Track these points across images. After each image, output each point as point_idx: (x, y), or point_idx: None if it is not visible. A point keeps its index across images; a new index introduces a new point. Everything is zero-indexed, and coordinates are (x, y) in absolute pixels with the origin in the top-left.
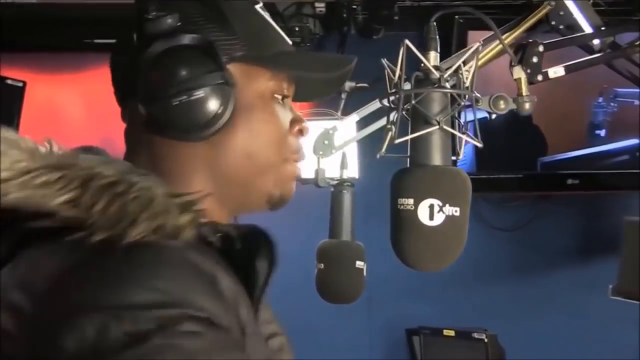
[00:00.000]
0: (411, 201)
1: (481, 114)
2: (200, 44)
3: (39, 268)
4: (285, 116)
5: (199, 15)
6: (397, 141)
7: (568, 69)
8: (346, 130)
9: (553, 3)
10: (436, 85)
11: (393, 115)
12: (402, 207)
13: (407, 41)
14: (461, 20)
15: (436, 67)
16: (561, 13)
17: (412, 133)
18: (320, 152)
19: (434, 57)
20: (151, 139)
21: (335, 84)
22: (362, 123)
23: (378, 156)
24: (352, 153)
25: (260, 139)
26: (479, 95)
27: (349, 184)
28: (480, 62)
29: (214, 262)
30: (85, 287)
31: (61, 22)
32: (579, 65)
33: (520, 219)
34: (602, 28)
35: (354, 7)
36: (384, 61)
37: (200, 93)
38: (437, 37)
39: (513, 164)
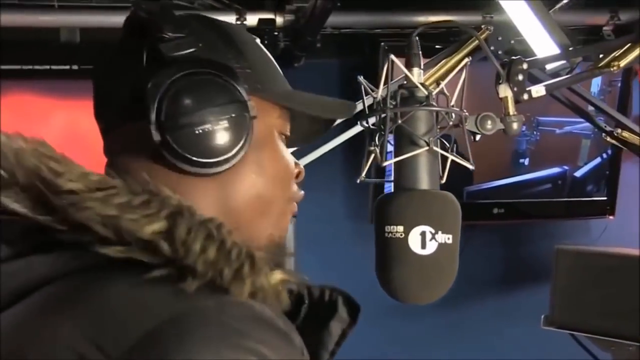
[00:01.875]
0: (401, 229)
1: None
2: (223, 71)
3: (116, 311)
4: (289, 157)
5: (215, 41)
6: (384, 164)
7: (548, 88)
8: None
9: (491, 28)
10: (424, 104)
11: (376, 137)
12: (390, 235)
13: (392, 56)
14: (386, 47)
15: (422, 85)
16: (499, 38)
17: (397, 155)
18: None
19: (417, 74)
20: (156, 170)
21: (325, 129)
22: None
23: (358, 181)
24: None
25: (270, 179)
26: (467, 114)
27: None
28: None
29: (293, 330)
30: (184, 346)
31: None
32: (558, 84)
33: None
34: (570, 48)
35: (276, 33)
36: (361, 78)
37: (224, 123)
38: (420, 52)
39: None
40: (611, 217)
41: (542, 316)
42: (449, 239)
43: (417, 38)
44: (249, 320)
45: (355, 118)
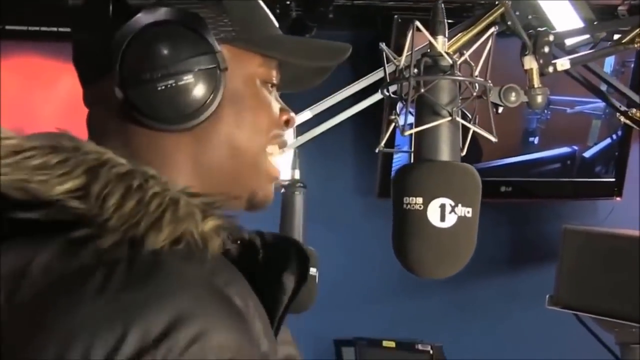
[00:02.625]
0: (420, 200)
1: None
2: (190, 21)
3: (29, 268)
4: (274, 106)
5: None
6: (406, 133)
7: (573, 62)
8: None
9: (509, 3)
10: (448, 73)
11: (398, 105)
12: (408, 206)
13: (417, 22)
14: (400, 20)
15: (447, 53)
16: (517, 13)
17: (418, 125)
18: None
19: (442, 43)
20: (125, 127)
21: (325, 73)
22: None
23: (377, 150)
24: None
25: (248, 130)
26: (491, 84)
27: (301, 185)
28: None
29: (241, 286)
30: (90, 304)
31: None
32: (583, 58)
33: None
34: (595, 22)
35: (288, 2)
36: (382, 45)
37: (189, 77)
38: (445, 20)
39: None
40: (618, 199)
41: (547, 296)
42: (468, 212)
43: (442, 5)
44: (156, 268)
45: (372, 88)
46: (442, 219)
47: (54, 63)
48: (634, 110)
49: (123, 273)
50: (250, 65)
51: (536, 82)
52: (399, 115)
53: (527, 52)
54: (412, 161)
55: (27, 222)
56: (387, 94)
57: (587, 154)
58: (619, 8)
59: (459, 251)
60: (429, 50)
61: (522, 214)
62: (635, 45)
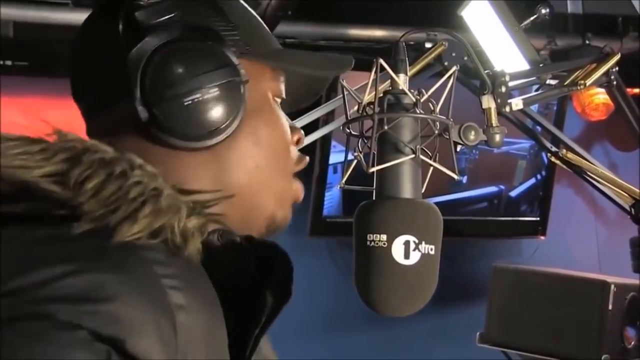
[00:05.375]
0: (384, 237)
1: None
2: (205, 35)
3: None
4: (286, 122)
5: (195, 4)
6: (370, 171)
7: (525, 102)
8: None
9: (446, 44)
10: (411, 111)
11: (359, 143)
12: (372, 243)
13: (380, 60)
14: None
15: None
16: (453, 54)
17: (381, 162)
18: None
19: (404, 80)
20: (146, 147)
21: (317, 92)
22: None
23: (338, 187)
24: None
25: (269, 148)
26: (452, 122)
27: None
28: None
29: (194, 290)
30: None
31: None
32: (533, 99)
33: None
34: (540, 65)
35: None
36: (343, 82)
37: (215, 91)
38: (406, 59)
39: None
40: (542, 238)
41: (477, 333)
42: (432, 249)
43: (403, 44)
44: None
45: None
46: (407, 256)
47: None
48: (563, 150)
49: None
50: (263, 79)
51: (494, 121)
52: (361, 152)
53: (485, 92)
54: (374, 198)
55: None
56: (348, 131)
57: (513, 194)
58: (541, 52)
59: (422, 288)
60: (390, 88)
61: (450, 252)
62: (579, 88)
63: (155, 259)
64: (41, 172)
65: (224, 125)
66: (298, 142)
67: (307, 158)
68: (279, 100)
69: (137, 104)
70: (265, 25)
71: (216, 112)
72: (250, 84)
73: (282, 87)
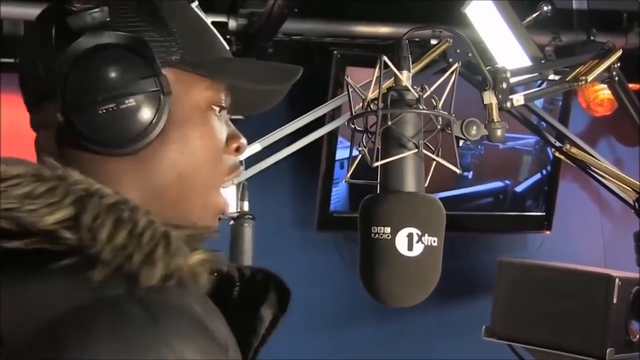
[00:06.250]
0: (388, 230)
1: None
2: (132, 44)
3: (18, 303)
4: (222, 131)
5: (130, 11)
6: (375, 165)
7: (526, 98)
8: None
9: (450, 41)
10: (414, 106)
11: (364, 138)
12: (377, 235)
13: (384, 57)
14: (339, 56)
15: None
16: (457, 51)
17: (385, 157)
18: None
19: (407, 77)
20: (69, 152)
21: (277, 96)
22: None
23: (344, 181)
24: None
25: (194, 157)
26: (454, 118)
27: (250, 216)
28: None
29: (219, 319)
30: (82, 342)
31: None
32: (534, 94)
33: None
34: (542, 61)
35: (228, 37)
36: (348, 79)
37: (131, 101)
38: (409, 56)
39: None
40: (548, 232)
41: (483, 327)
42: (434, 241)
43: (406, 41)
44: (161, 309)
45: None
46: (410, 248)
47: None
48: (567, 145)
49: (131, 314)
50: (196, 89)
51: (495, 116)
52: (365, 147)
53: (487, 88)
54: (378, 192)
55: (8, 252)
56: (353, 126)
57: (519, 189)
58: (546, 49)
59: (425, 279)
60: (394, 84)
61: (456, 247)
62: (580, 84)
63: (190, 305)
64: (54, 218)
65: (140, 134)
66: (238, 150)
67: (242, 168)
68: (217, 108)
69: (56, 109)
70: (214, 33)
71: (132, 121)
72: (179, 93)
73: (222, 96)
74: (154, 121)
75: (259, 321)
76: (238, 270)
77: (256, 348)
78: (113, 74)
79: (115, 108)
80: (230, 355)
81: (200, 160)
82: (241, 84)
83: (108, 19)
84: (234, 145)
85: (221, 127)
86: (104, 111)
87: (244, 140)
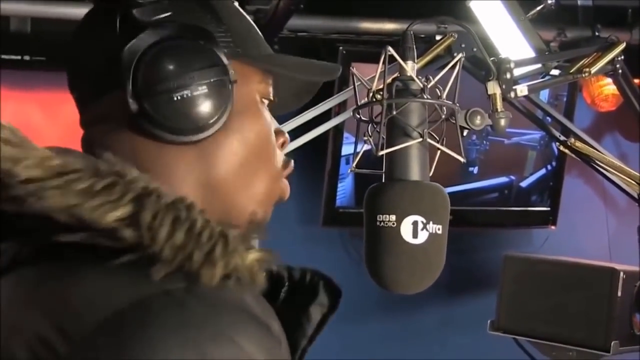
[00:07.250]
0: (393, 217)
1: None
2: (199, 35)
3: (78, 296)
4: (273, 124)
5: (191, 6)
6: (380, 154)
7: (530, 88)
8: None
9: (455, 35)
10: (418, 96)
11: (369, 128)
12: (382, 223)
13: (389, 47)
14: (345, 52)
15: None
16: (463, 45)
17: (390, 146)
18: None
19: (411, 67)
20: (135, 140)
21: (307, 95)
22: None
23: (349, 171)
24: None
25: (253, 147)
26: (459, 107)
27: None
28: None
29: (271, 314)
30: (146, 332)
31: None
32: (539, 85)
33: None
34: (546, 52)
35: None
36: (353, 69)
37: (204, 88)
38: (414, 46)
39: None
40: (553, 227)
41: (489, 321)
42: (439, 229)
43: (411, 32)
44: (222, 305)
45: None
46: (415, 235)
47: None
48: (572, 140)
49: (194, 309)
50: (252, 81)
51: (499, 106)
52: (371, 136)
53: (491, 78)
54: (383, 181)
55: (54, 247)
56: (358, 116)
57: (524, 184)
58: (551, 44)
59: (430, 266)
60: (398, 75)
61: (462, 242)
62: (584, 76)
63: (251, 304)
64: (114, 216)
65: (210, 122)
66: (283, 145)
67: (293, 162)
68: (266, 102)
69: (128, 96)
70: (257, 30)
71: (203, 108)
72: (238, 85)
73: (271, 89)
74: (223, 108)
75: (307, 320)
76: (287, 270)
77: (303, 348)
78: (183, 63)
79: (189, 94)
80: (284, 355)
81: (259, 150)
82: (295, 76)
83: (172, 13)
84: (281, 140)
85: (272, 121)
86: (178, 97)
87: (287, 136)
